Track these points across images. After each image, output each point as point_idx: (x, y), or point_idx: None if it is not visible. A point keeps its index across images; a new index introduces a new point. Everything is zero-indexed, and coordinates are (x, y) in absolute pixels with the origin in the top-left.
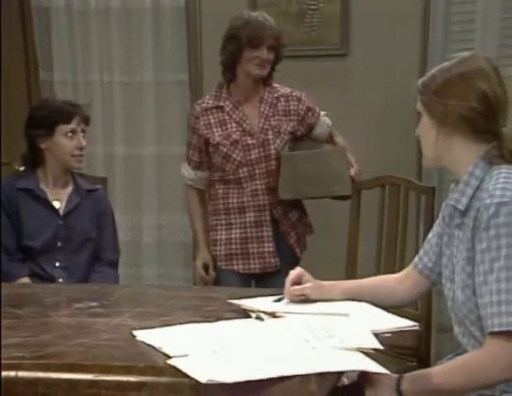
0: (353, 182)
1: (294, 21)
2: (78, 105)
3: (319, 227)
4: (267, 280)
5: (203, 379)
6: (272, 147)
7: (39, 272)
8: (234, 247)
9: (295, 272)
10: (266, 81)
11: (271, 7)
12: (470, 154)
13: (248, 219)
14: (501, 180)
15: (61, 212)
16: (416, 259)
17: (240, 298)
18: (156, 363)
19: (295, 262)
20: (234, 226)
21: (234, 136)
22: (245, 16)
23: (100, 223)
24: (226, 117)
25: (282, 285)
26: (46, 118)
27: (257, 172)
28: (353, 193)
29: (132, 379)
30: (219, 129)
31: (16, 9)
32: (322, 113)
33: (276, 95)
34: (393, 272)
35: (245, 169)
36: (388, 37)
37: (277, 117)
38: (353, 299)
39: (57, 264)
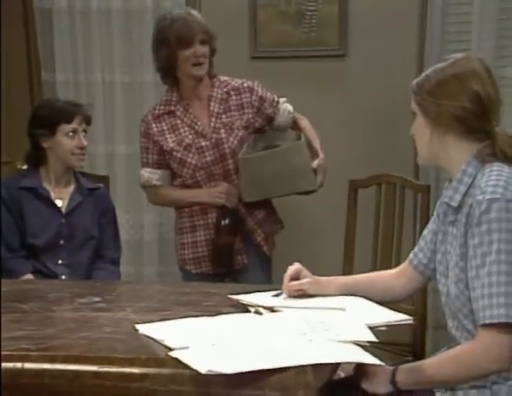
0: (316, 174)
1: (293, 22)
2: (79, 105)
3: (315, 225)
4: (236, 278)
5: (203, 370)
6: (225, 146)
7: (42, 269)
8: (200, 249)
9: (293, 268)
10: (209, 75)
11: (270, 7)
12: (463, 153)
13: (211, 220)
14: (493, 177)
15: (63, 210)
16: (411, 255)
17: (239, 293)
18: (158, 355)
19: (263, 260)
20: (198, 228)
21: (186, 140)
22: (169, 17)
23: (102, 221)
24: (178, 121)
25: (251, 283)
26: (48, 118)
27: (214, 173)
28: (317, 186)
29: (135, 370)
30: (172, 135)
31: (19, 10)
32: (281, 100)
33: (226, 89)
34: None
35: (202, 172)
36: (386, 38)
37: (228, 113)
38: (349, 294)
39: (60, 262)
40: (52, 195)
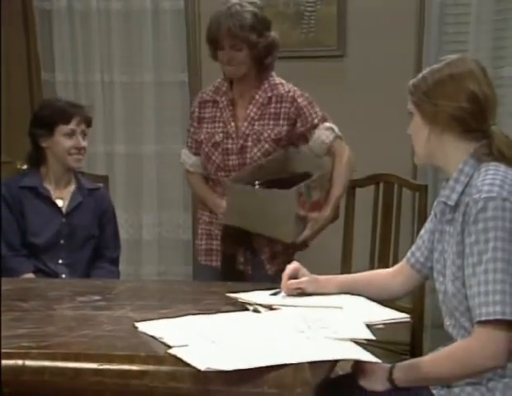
0: (304, 226)
1: (291, 23)
2: (78, 106)
3: None
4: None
5: (202, 367)
6: (248, 155)
7: (42, 268)
8: (214, 242)
9: (291, 267)
10: (260, 77)
11: (268, 8)
12: (460, 152)
13: None
14: (489, 176)
15: (64, 210)
16: (409, 254)
17: (238, 292)
18: (157, 352)
19: (264, 279)
20: (214, 224)
21: (216, 137)
22: (213, 16)
23: (102, 221)
24: (218, 114)
25: (248, 290)
26: (47, 118)
27: None
28: (300, 243)
29: (134, 367)
30: (209, 126)
31: (19, 10)
32: (323, 125)
33: (270, 94)
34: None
35: (223, 174)
36: (384, 38)
37: (262, 121)
38: (347, 293)
39: (60, 261)
40: (52, 194)
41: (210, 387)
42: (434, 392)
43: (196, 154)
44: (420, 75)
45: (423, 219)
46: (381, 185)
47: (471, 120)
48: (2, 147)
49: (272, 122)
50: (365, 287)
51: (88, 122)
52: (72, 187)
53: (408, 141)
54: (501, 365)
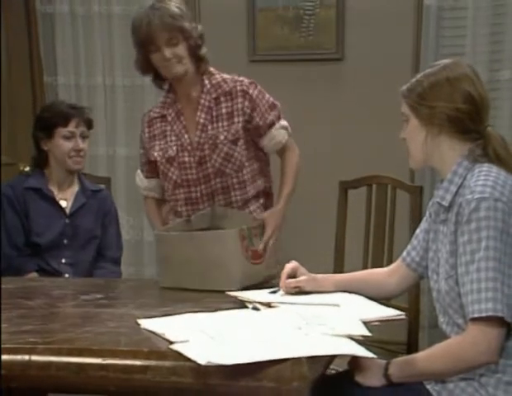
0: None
1: (291, 26)
2: (77, 108)
3: (306, 226)
4: None
5: (203, 362)
6: (208, 165)
7: (46, 268)
8: None
9: (290, 266)
10: (199, 71)
11: (268, 11)
12: (455, 153)
13: None
14: (482, 177)
15: (67, 211)
16: (404, 253)
17: (237, 290)
18: (159, 348)
19: None
20: None
21: (170, 152)
22: (137, 16)
23: (104, 222)
24: (168, 128)
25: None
26: (47, 120)
27: (193, 196)
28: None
29: (137, 362)
30: (161, 142)
31: (22, 15)
32: (281, 123)
33: (215, 95)
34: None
35: (181, 191)
36: (382, 42)
37: (215, 124)
38: (344, 291)
39: (63, 260)
40: (56, 195)
41: (211, 381)
42: (429, 387)
43: (147, 177)
44: (414, 79)
45: (417, 220)
46: (374, 186)
47: (468, 121)
48: (5, 149)
49: (226, 123)
50: (361, 285)
51: (89, 124)
52: (75, 189)
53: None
54: (493, 361)
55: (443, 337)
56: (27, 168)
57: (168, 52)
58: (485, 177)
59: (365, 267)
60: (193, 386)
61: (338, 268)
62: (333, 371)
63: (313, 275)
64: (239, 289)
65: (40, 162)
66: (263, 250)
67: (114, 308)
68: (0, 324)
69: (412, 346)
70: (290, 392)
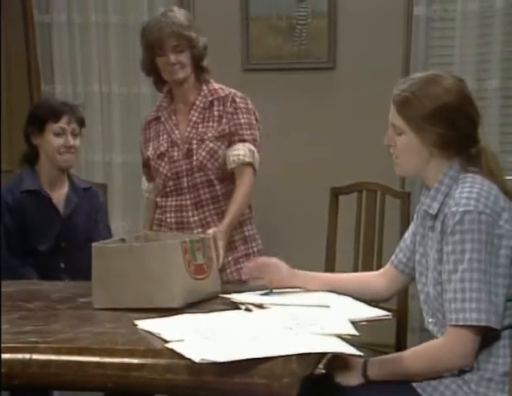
0: None
1: (284, 36)
2: (70, 105)
3: (298, 231)
4: None
5: (196, 359)
6: (194, 158)
7: (45, 273)
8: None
9: (265, 260)
10: (198, 80)
11: (261, 21)
12: (442, 166)
13: (247, 233)
14: (467, 189)
15: (62, 213)
16: (393, 256)
17: (230, 293)
18: (155, 347)
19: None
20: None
21: (161, 148)
22: (149, 20)
23: (96, 218)
24: (161, 127)
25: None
26: (38, 115)
27: (183, 186)
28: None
29: (134, 360)
30: (154, 142)
31: (20, 24)
32: (250, 147)
33: (210, 98)
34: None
35: (171, 183)
36: (373, 51)
37: (206, 124)
38: (334, 292)
39: (62, 265)
40: (52, 196)
41: (205, 378)
42: (414, 384)
43: (148, 180)
44: (410, 93)
45: (406, 224)
46: (364, 192)
47: (466, 141)
48: (3, 157)
49: (215, 124)
50: (347, 285)
51: (80, 122)
52: (65, 188)
53: None
54: (468, 365)
55: (431, 338)
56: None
57: (173, 57)
58: (469, 189)
59: (355, 271)
60: (188, 383)
61: (329, 272)
62: (323, 371)
63: (298, 271)
64: (181, 307)
65: (31, 158)
66: (207, 266)
67: (111, 310)
68: (0, 324)
69: (401, 349)
70: (281, 387)
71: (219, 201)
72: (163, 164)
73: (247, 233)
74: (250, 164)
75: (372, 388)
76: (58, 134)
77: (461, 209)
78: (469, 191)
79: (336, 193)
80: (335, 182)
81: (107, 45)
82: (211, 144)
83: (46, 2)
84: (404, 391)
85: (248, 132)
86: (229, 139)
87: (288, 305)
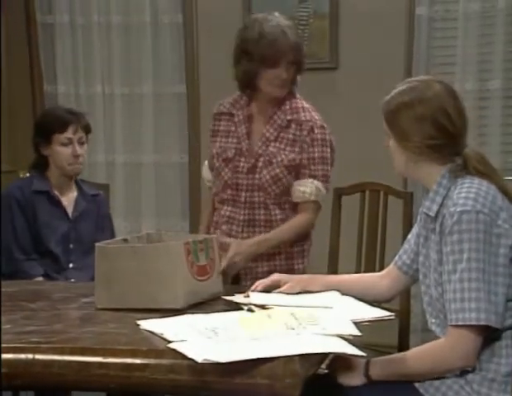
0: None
1: None
2: (75, 113)
3: None
4: None
5: (199, 359)
6: (256, 176)
7: (52, 273)
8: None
9: (270, 279)
10: (284, 97)
11: None
12: (436, 172)
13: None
14: (464, 190)
15: (70, 216)
16: (396, 257)
17: (233, 294)
18: (158, 347)
19: None
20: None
21: (228, 153)
22: (257, 29)
23: (102, 225)
24: (232, 128)
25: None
26: (45, 126)
27: (238, 199)
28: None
29: (137, 360)
30: (222, 140)
31: (23, 25)
32: (319, 185)
33: (289, 117)
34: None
35: (230, 192)
36: (375, 51)
37: (278, 144)
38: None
39: (70, 265)
40: (61, 199)
41: (207, 378)
42: (417, 385)
43: (212, 170)
44: (395, 106)
45: (408, 225)
46: (367, 192)
47: (445, 148)
48: (5, 157)
49: (288, 148)
50: (350, 286)
51: (87, 129)
52: (74, 194)
53: None
54: (470, 365)
55: (434, 338)
56: (27, 175)
57: (285, 73)
58: (467, 190)
59: (358, 272)
60: (190, 383)
61: (332, 273)
62: (326, 371)
63: (299, 276)
64: (183, 308)
65: (42, 166)
66: (210, 267)
67: (114, 310)
68: (0, 324)
69: (403, 349)
70: (283, 388)
71: (271, 226)
72: (226, 170)
73: (296, 267)
74: (313, 202)
75: (374, 388)
76: (65, 145)
77: (459, 209)
78: (467, 192)
79: (339, 193)
80: (338, 183)
81: (110, 46)
82: (277, 170)
83: (49, 3)
84: (406, 391)
85: (320, 167)
86: (299, 170)
87: (290, 306)
